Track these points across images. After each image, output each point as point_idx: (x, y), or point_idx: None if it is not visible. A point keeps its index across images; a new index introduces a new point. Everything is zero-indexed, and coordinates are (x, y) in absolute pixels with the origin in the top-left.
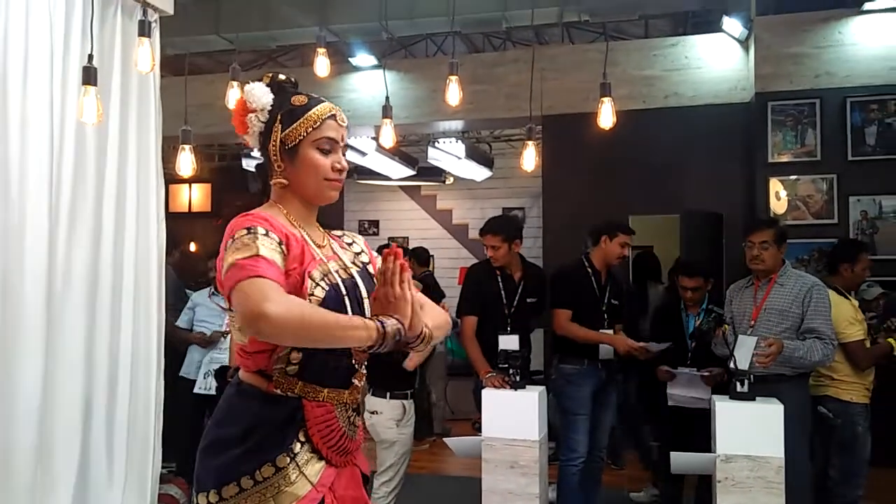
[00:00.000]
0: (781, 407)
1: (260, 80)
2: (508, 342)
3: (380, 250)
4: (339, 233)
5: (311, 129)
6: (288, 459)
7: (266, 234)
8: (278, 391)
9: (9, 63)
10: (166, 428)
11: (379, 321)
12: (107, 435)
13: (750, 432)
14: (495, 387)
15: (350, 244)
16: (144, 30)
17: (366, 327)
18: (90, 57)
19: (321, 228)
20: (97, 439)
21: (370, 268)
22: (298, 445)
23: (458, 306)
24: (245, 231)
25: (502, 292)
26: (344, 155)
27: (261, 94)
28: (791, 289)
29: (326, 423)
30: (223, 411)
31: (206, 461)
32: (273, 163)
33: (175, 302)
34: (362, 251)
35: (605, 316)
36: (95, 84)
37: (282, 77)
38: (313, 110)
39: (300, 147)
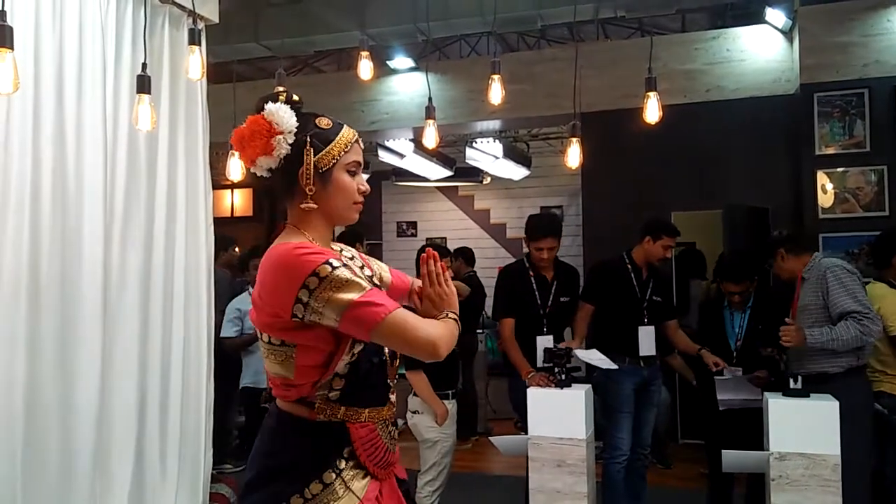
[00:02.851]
0: (836, 404)
1: (276, 100)
2: (544, 343)
3: (419, 252)
4: (337, 246)
5: (343, 152)
6: (334, 476)
7: (345, 266)
8: (321, 417)
9: (65, 73)
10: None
11: (450, 317)
12: (160, 436)
13: (804, 430)
14: (539, 386)
15: (351, 258)
16: (194, 38)
17: (455, 324)
18: (144, 66)
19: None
20: (151, 441)
21: (375, 280)
22: (343, 462)
23: (493, 309)
24: (329, 267)
25: (536, 293)
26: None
27: (287, 116)
28: (810, 282)
29: (371, 443)
30: (267, 443)
31: (256, 494)
32: (304, 186)
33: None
34: (363, 265)
35: (646, 313)
36: (149, 92)
37: (295, 98)
38: (342, 134)
39: (333, 170)
